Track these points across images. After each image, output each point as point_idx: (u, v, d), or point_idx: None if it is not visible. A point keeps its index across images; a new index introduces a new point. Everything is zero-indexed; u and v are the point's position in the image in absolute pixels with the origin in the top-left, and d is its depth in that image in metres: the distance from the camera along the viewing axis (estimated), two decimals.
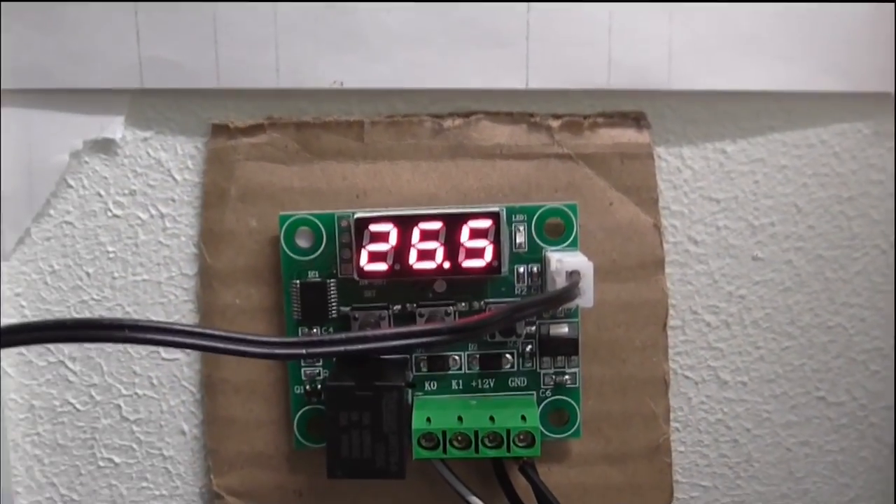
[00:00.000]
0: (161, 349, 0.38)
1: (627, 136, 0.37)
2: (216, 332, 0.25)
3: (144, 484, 0.39)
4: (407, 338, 0.28)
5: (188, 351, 0.38)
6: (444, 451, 0.34)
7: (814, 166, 0.38)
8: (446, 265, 0.34)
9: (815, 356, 0.40)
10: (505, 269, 0.35)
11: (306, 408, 0.37)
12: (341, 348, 0.26)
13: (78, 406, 0.39)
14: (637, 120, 0.37)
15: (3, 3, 0.35)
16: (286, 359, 0.32)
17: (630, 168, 0.37)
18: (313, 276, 0.36)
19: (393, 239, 0.34)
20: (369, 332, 0.27)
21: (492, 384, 0.37)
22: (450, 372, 0.37)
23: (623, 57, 0.36)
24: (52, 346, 0.38)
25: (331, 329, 0.36)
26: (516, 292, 0.36)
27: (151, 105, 0.37)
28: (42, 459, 0.39)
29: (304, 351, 0.26)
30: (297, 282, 0.36)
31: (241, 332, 0.25)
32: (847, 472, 0.41)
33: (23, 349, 0.38)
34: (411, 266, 0.34)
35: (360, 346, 0.27)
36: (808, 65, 0.37)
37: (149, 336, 0.24)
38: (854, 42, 0.37)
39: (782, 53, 0.36)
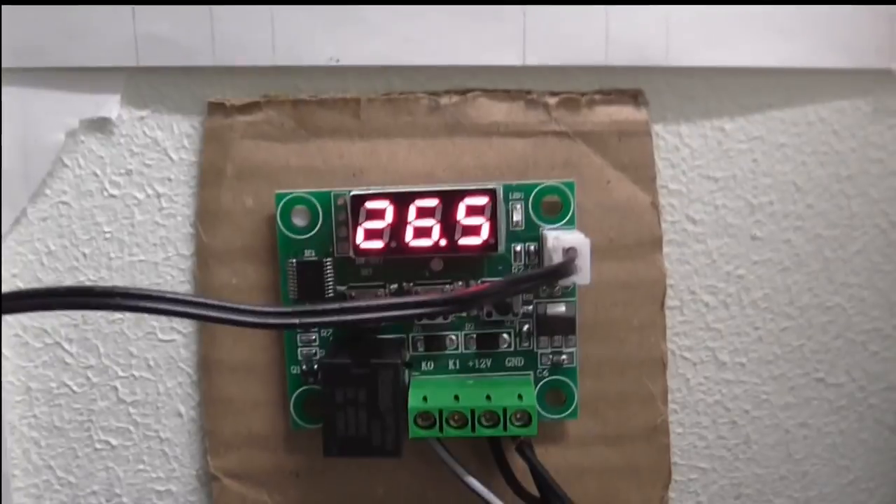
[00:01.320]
0: (157, 330, 0.38)
1: (625, 113, 0.37)
2: (208, 301, 0.25)
3: (141, 466, 0.39)
4: (402, 308, 0.27)
5: (184, 331, 0.38)
6: (441, 429, 0.34)
7: (813, 144, 0.38)
8: (443, 243, 0.34)
9: (813, 337, 0.39)
10: (501, 246, 0.34)
11: (303, 388, 0.37)
12: (335, 318, 0.26)
13: (74, 388, 0.39)
14: (635, 97, 0.37)
15: None
16: (279, 328, 0.31)
17: (628, 146, 0.37)
18: (310, 254, 0.36)
19: (389, 216, 0.34)
20: (363, 303, 0.27)
21: (489, 364, 0.36)
22: (446, 352, 0.36)
23: (621, 33, 0.36)
24: (48, 328, 0.38)
25: None
26: (513, 270, 0.36)
27: (147, 83, 0.37)
28: (39, 442, 0.39)
29: (296, 321, 0.26)
30: (294, 261, 0.35)
31: (233, 302, 0.25)
32: (846, 454, 0.40)
33: (19, 331, 0.38)
34: (407, 244, 0.34)
35: (354, 317, 0.27)
36: (807, 41, 0.36)
37: (140, 304, 0.24)
38: (854, 18, 0.36)
39: (782, 29, 0.36)
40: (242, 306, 0.26)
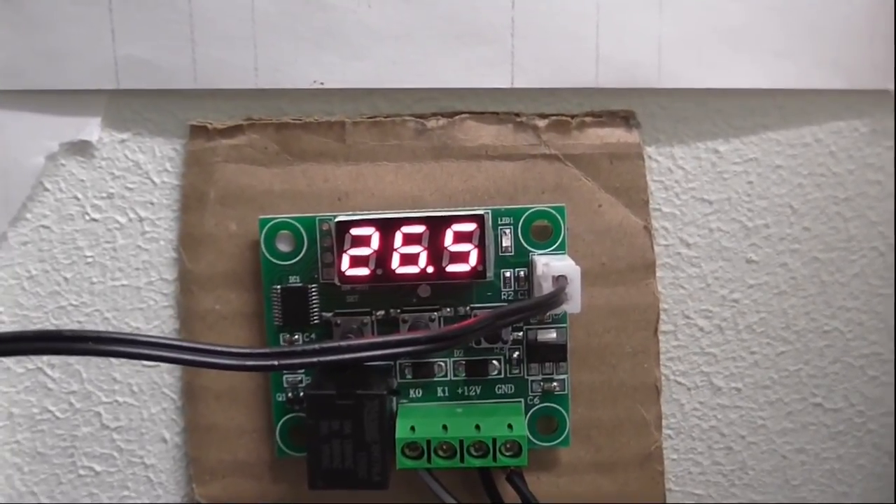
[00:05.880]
0: None
1: (616, 135, 0.36)
2: (185, 344, 0.24)
3: (125, 493, 0.39)
4: (384, 348, 0.27)
5: None
6: (429, 460, 0.33)
7: (809, 166, 0.37)
8: (430, 270, 0.33)
9: (811, 361, 0.39)
10: (490, 273, 0.34)
11: (288, 416, 0.36)
12: (315, 359, 0.26)
13: (57, 414, 0.38)
14: (626, 119, 0.36)
15: None
16: (258, 370, 0.31)
17: (619, 169, 0.36)
18: (294, 280, 0.35)
19: (375, 243, 0.33)
20: (344, 343, 0.26)
21: (478, 391, 0.36)
22: (435, 379, 0.36)
23: (611, 54, 0.35)
24: None
25: (313, 335, 0.35)
26: (503, 297, 0.35)
27: (128, 106, 0.36)
28: (21, 468, 0.38)
29: (275, 363, 0.25)
30: (278, 287, 0.35)
31: (210, 343, 0.25)
32: (844, 480, 0.40)
33: None
34: (394, 271, 0.33)
35: (334, 357, 0.26)
36: (803, 61, 0.36)
37: (114, 348, 0.24)
38: (850, 37, 0.36)
39: (776, 49, 0.35)
40: (220, 348, 0.25)
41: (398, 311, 0.35)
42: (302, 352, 0.26)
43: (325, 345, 0.26)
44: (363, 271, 0.33)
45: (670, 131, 0.37)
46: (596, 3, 0.35)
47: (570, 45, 0.35)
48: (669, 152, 0.37)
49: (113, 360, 0.37)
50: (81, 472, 0.39)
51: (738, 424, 0.39)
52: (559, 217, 0.35)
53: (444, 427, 0.33)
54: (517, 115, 0.36)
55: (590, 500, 0.37)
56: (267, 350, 0.26)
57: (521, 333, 0.35)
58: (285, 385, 0.36)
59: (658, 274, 0.37)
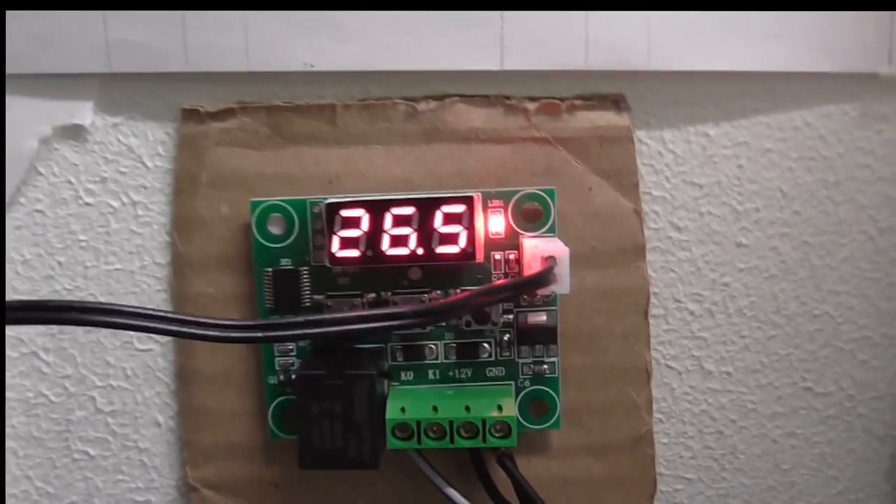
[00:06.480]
0: (134, 339, 0.38)
1: (606, 118, 0.36)
2: (170, 315, 0.25)
3: (120, 476, 0.39)
4: (369, 321, 0.27)
5: (161, 341, 0.38)
6: (419, 441, 0.33)
7: (799, 150, 0.37)
8: (420, 251, 0.33)
9: (801, 345, 0.39)
10: (480, 255, 0.34)
11: (280, 398, 0.36)
12: (300, 332, 0.26)
13: (52, 398, 0.38)
14: (616, 102, 0.36)
15: None
16: (242, 342, 0.31)
17: (609, 152, 0.36)
18: (286, 263, 0.35)
19: (365, 224, 0.33)
20: (329, 316, 0.26)
21: (469, 374, 0.36)
22: (426, 362, 0.36)
23: (601, 36, 0.35)
24: (24, 338, 0.38)
25: None
26: (493, 279, 0.35)
27: (121, 89, 0.36)
28: (16, 452, 0.39)
29: (260, 334, 0.25)
30: (270, 269, 0.35)
31: (196, 315, 0.25)
32: (835, 464, 0.40)
33: None
34: (384, 252, 0.33)
35: (319, 330, 0.26)
36: (792, 44, 0.36)
37: (99, 318, 0.24)
38: (840, 21, 0.36)
39: (766, 32, 0.36)
40: (204, 320, 0.25)
41: (389, 293, 0.35)
42: (287, 324, 0.26)
43: (310, 317, 0.26)
44: (353, 253, 0.34)
45: (660, 114, 0.37)
46: None
47: (559, 28, 0.35)
48: (659, 136, 0.37)
49: (106, 344, 0.38)
50: (76, 456, 0.39)
51: (728, 408, 0.39)
52: (549, 200, 0.35)
53: (434, 408, 0.33)
54: (507, 98, 0.36)
55: (580, 483, 0.37)
56: (252, 322, 0.26)
57: (511, 316, 0.35)
58: (277, 368, 0.36)
59: (648, 257, 0.37)
